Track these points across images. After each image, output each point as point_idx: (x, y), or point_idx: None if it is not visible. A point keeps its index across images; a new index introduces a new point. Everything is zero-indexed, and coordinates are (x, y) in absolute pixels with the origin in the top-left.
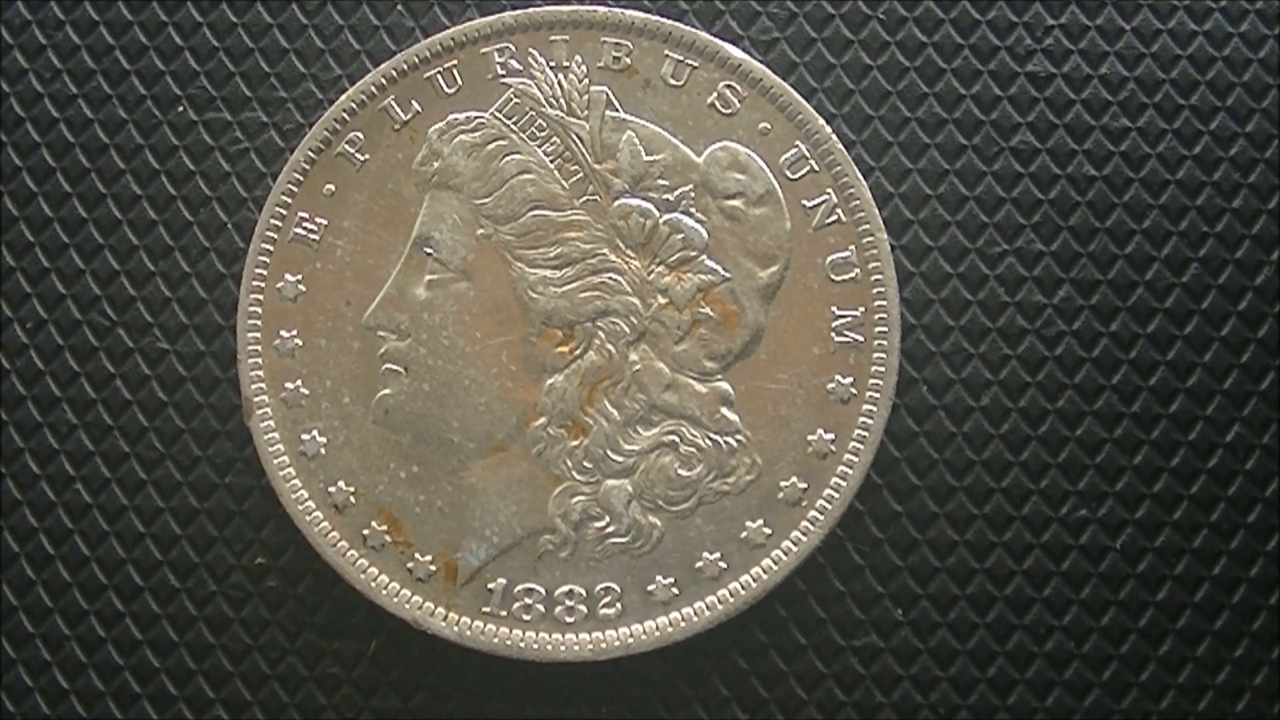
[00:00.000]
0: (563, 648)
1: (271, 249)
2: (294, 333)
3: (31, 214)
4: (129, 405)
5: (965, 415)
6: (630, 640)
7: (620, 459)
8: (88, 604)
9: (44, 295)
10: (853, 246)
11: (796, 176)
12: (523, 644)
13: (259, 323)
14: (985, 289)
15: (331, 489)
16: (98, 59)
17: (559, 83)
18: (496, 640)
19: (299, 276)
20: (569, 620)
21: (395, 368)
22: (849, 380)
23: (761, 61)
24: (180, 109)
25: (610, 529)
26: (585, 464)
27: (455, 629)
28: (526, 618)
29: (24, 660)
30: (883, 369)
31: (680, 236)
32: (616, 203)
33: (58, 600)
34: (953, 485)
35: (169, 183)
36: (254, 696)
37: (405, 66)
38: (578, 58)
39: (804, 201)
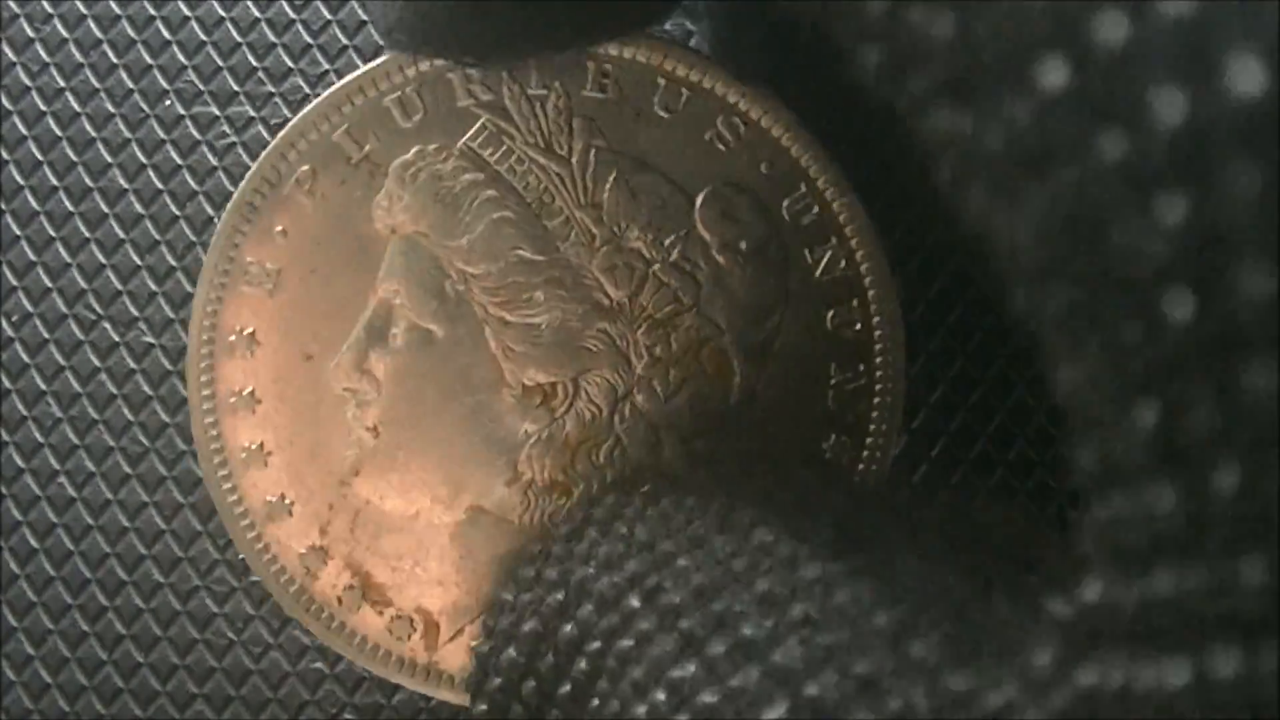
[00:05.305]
0: None
1: (222, 292)
2: (251, 389)
3: (18, 207)
4: (114, 399)
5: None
6: None
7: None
8: (71, 598)
9: (30, 289)
10: (856, 300)
11: (801, 221)
12: None
13: (210, 376)
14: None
15: (302, 551)
16: (85, 52)
17: (536, 112)
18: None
19: (251, 330)
20: None
21: (363, 427)
22: (846, 440)
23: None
24: (168, 103)
25: None
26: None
27: (438, 689)
28: None
29: (6, 654)
30: (884, 431)
31: (670, 288)
32: (602, 250)
33: (41, 594)
34: None
35: (156, 177)
36: (237, 691)
37: (358, 94)
38: (558, 84)
39: (806, 250)
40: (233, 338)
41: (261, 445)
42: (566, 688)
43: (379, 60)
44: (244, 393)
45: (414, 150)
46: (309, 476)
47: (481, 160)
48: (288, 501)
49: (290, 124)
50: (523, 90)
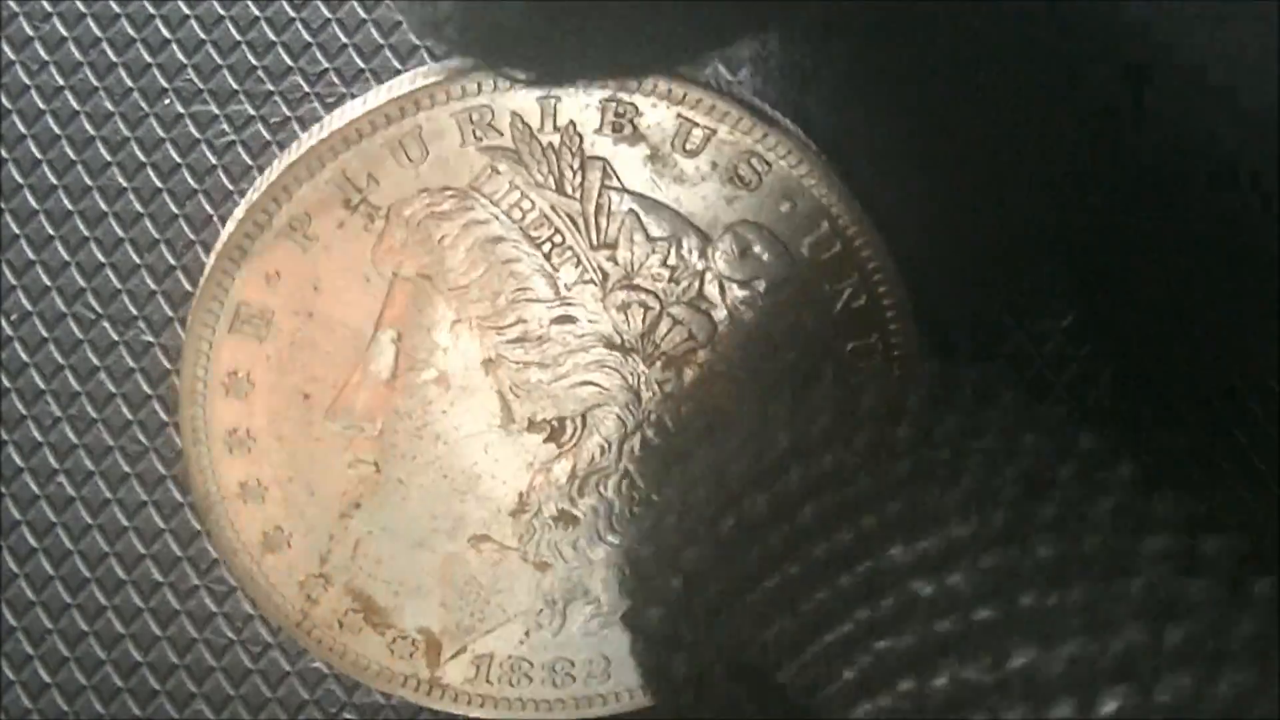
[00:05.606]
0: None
1: (212, 335)
2: (246, 429)
3: (17, 206)
4: (113, 398)
5: None
6: (617, 702)
7: (612, 543)
8: (70, 598)
9: (29, 288)
10: (876, 334)
11: (821, 257)
12: (510, 701)
13: (204, 417)
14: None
15: (302, 579)
16: (84, 50)
17: (545, 154)
18: (484, 710)
19: (245, 372)
20: (556, 684)
21: (364, 461)
22: None
23: (790, 124)
24: (167, 101)
25: (603, 609)
26: (574, 552)
27: (440, 702)
28: (514, 685)
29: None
30: None
31: (684, 327)
32: (614, 290)
33: (40, 593)
34: None
35: (155, 176)
36: (236, 691)
37: (356, 138)
38: (568, 126)
39: (826, 285)
40: (225, 379)
41: (259, 482)
42: (824, 548)
43: (377, 102)
44: (238, 432)
45: (415, 192)
46: (308, 510)
47: (485, 201)
48: (286, 533)
49: (281, 166)
50: (531, 133)
